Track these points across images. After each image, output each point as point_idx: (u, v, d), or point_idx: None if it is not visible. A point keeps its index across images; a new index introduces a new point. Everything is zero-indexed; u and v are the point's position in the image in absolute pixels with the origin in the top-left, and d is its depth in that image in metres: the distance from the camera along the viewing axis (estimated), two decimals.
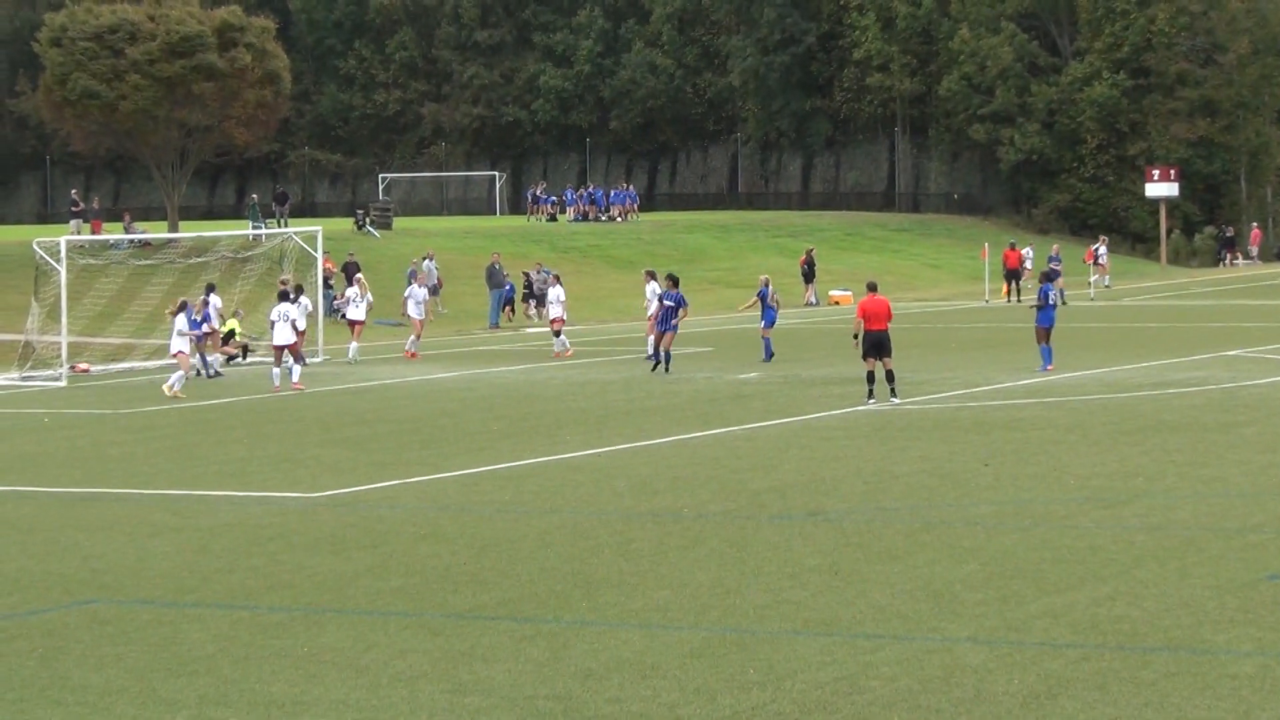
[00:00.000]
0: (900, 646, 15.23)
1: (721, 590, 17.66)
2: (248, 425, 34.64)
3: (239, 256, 57.92)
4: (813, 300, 73.22)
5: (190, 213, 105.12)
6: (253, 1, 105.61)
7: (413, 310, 53.09)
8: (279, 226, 74.94)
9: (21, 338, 49.13)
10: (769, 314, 44.96)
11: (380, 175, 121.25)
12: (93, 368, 49.04)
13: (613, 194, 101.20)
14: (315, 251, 54.64)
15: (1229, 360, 42.23)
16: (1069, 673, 14.26)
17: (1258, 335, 49.27)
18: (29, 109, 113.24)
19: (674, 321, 43.06)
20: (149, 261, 58.99)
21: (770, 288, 45.47)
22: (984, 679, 14.11)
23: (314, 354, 49.85)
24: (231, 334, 49.56)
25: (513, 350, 53.23)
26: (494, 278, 64.74)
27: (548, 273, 65.76)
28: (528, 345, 54.95)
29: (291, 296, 43.59)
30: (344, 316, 53.74)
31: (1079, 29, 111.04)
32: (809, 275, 73.98)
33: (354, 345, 49.89)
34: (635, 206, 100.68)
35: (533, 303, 67.18)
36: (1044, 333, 40.35)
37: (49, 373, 46.55)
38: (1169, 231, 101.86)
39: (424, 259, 65.41)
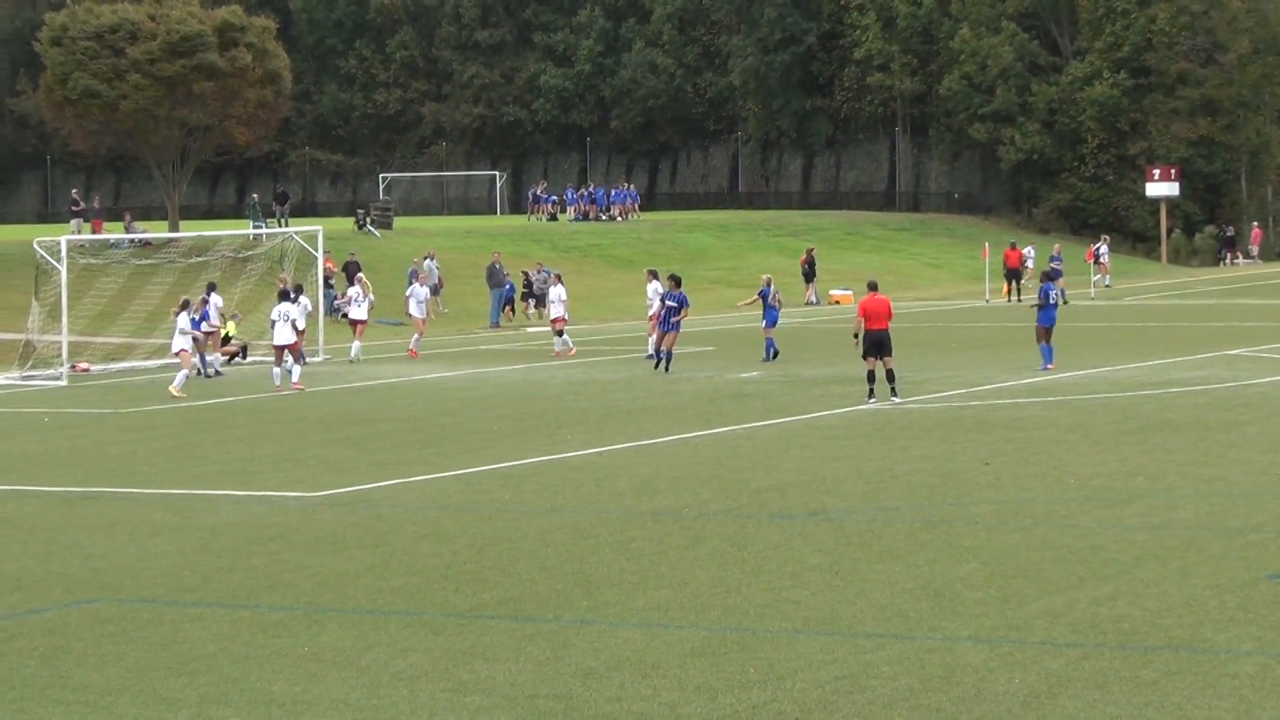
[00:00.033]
0: (901, 645, 15.24)
1: (722, 589, 17.66)
2: (248, 425, 34.64)
3: (239, 256, 57.92)
4: (813, 300, 73.22)
5: (191, 212, 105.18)
6: (253, 1, 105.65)
7: (414, 309, 53.09)
8: (279, 226, 74.94)
9: (22, 337, 49.14)
10: (770, 313, 44.95)
11: (381, 175, 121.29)
12: (93, 367, 49.04)
13: (613, 193, 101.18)
14: (316, 251, 54.65)
15: (1230, 359, 42.23)
16: (1070, 672, 14.26)
17: (1259, 334, 49.26)
18: (30, 108, 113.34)
19: (675, 320, 43.05)
20: (149, 261, 59.00)
21: (772, 287, 45.46)
22: (985, 678, 14.11)
23: (314, 353, 49.86)
24: (229, 337, 49.53)
25: (513, 350, 53.23)
26: (494, 277, 64.75)
27: (548, 272, 65.75)
28: (528, 345, 54.95)
29: (292, 296, 43.58)
30: (344, 315, 53.74)
31: (1079, 28, 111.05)
32: (809, 275, 73.97)
33: (356, 345, 49.89)
34: (636, 206, 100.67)
35: (532, 302, 67.18)
36: (1044, 332, 40.34)
37: (49, 372, 46.55)
38: (1169, 231, 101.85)
39: (425, 258, 65.42)
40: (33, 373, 46.75)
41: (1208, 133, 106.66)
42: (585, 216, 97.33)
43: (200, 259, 56.61)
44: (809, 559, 19.04)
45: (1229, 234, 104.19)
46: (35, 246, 49.04)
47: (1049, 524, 20.91)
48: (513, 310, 66.68)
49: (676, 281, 44.21)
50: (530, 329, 62.78)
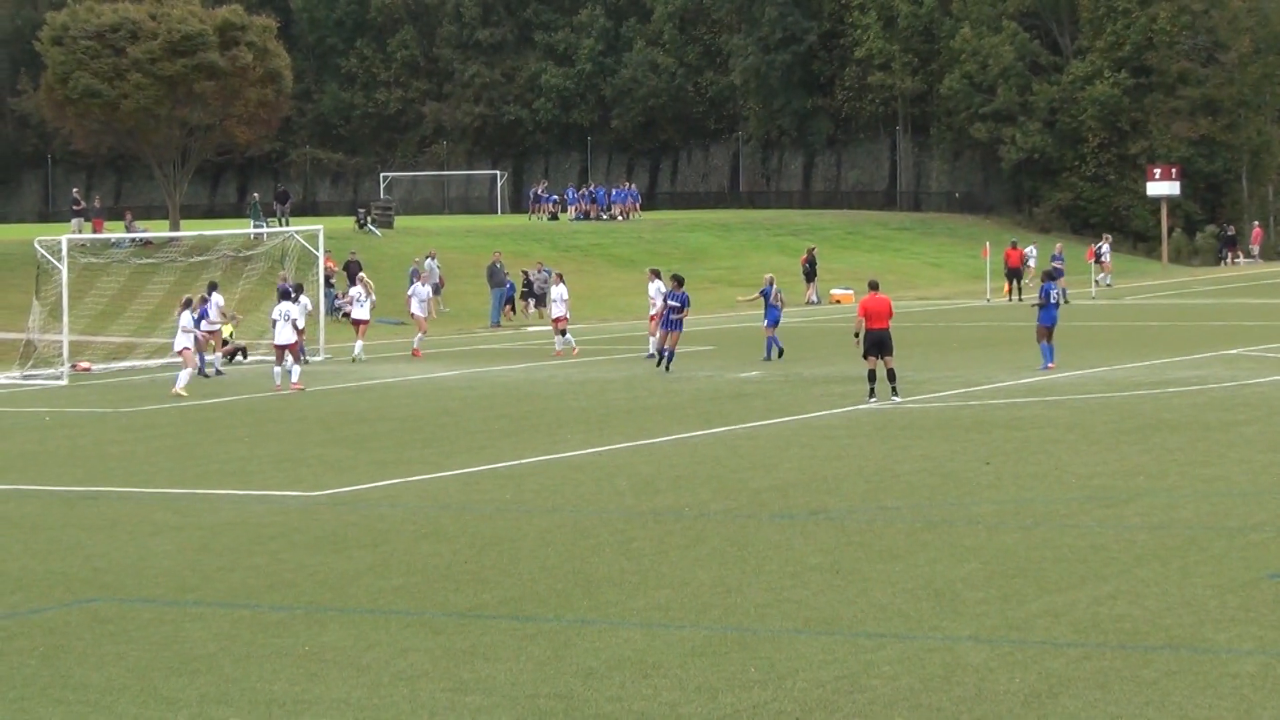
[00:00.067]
0: (902, 645, 15.23)
1: (723, 589, 17.66)
2: (249, 424, 34.64)
3: (240, 255, 57.92)
4: (814, 299, 73.22)
5: (192, 211, 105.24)
6: (254, 0, 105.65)
7: (417, 309, 53.05)
8: (280, 225, 74.94)
9: (23, 336, 49.14)
10: (772, 313, 44.94)
11: (382, 174, 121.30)
12: (94, 366, 49.05)
13: (614, 193, 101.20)
14: (317, 250, 54.65)
15: (1230, 359, 42.23)
16: (1070, 671, 14.26)
17: (1259, 334, 49.26)
18: (30, 108, 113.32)
19: (676, 318, 43.09)
20: (150, 260, 59.02)
21: (774, 286, 45.44)
22: (985, 678, 14.11)
23: (315, 353, 49.87)
24: (225, 341, 49.51)
25: (514, 349, 53.24)
26: (495, 276, 64.75)
27: (548, 272, 65.76)
28: (529, 344, 54.95)
29: (293, 296, 43.58)
30: (345, 315, 53.67)
31: (1080, 28, 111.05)
32: (810, 274, 73.97)
33: (359, 344, 49.92)
34: (637, 205, 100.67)
35: (531, 301, 67.20)
36: (1044, 331, 40.35)
37: (50, 371, 46.56)
38: (1170, 230, 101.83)
39: (426, 258, 65.41)
40: (33, 372, 46.75)
41: (1209, 132, 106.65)
42: (586, 216, 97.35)
43: (201, 258, 56.61)
44: (810, 559, 19.04)
45: (1230, 233, 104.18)
46: (36, 246, 49.04)
47: (1049, 523, 20.91)
48: (513, 309, 66.69)
49: (679, 281, 44.24)
50: (531, 328, 62.78)
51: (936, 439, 28.73)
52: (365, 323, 50.71)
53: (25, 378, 46.14)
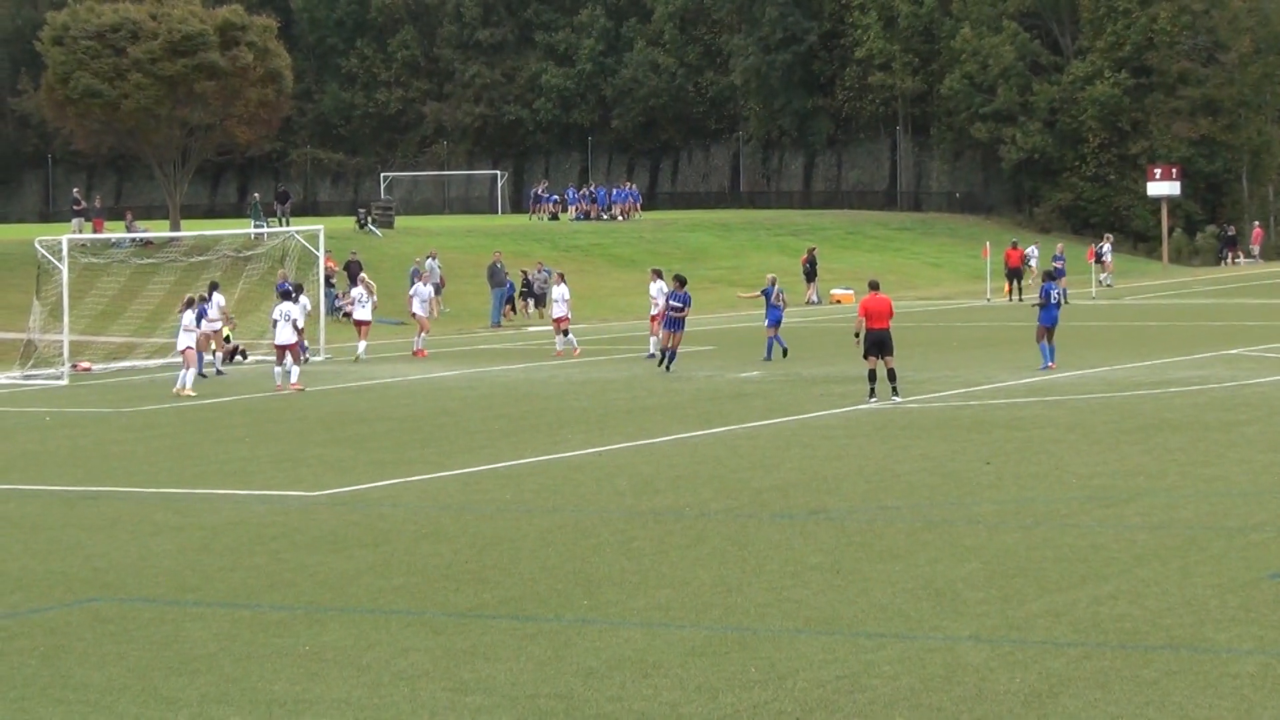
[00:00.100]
0: (902, 645, 15.24)
1: (723, 589, 17.66)
2: (249, 424, 34.64)
3: (241, 255, 57.92)
4: (814, 299, 73.21)
5: (192, 211, 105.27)
6: (254, 0, 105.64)
7: (418, 308, 53.03)
8: (281, 225, 74.93)
9: (24, 336, 49.14)
10: (773, 313, 44.93)
11: (382, 174, 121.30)
12: (94, 366, 49.05)
13: (615, 193, 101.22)
14: (317, 250, 54.66)
15: (1230, 359, 42.23)
16: (1071, 671, 14.26)
17: (1259, 334, 49.27)
18: (31, 108, 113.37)
19: (678, 317, 43.16)
20: (151, 260, 59.01)
21: (776, 287, 45.41)
22: (986, 677, 14.11)
23: (315, 353, 49.88)
24: (226, 339, 49.52)
25: (514, 349, 53.23)
26: (496, 276, 64.75)
27: (548, 272, 65.75)
28: (529, 344, 54.95)
29: (293, 295, 43.58)
30: (345, 315, 53.62)
31: (1081, 28, 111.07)
32: (811, 274, 73.95)
33: (363, 344, 49.97)
34: (638, 205, 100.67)
35: (531, 301, 67.19)
36: (1044, 331, 40.36)
37: (51, 371, 46.55)
38: (1171, 230, 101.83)
39: (427, 258, 65.41)
40: (34, 372, 46.75)
41: (1209, 132, 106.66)
42: (586, 216, 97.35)
43: (202, 258, 56.61)
44: (810, 558, 19.04)
45: (1230, 233, 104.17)
46: (37, 246, 49.04)
47: (1050, 523, 20.91)
48: (513, 309, 66.69)
49: (681, 281, 44.28)
50: (531, 328, 62.78)
51: (937, 439, 28.73)
52: (367, 324, 50.76)
53: (26, 378, 46.13)
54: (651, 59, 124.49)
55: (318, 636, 16.13)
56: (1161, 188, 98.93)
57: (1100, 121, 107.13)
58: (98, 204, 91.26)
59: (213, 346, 46.47)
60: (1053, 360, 40.16)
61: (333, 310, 58.72)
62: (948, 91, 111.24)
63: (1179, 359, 42.20)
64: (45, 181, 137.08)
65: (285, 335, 41.84)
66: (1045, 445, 27.61)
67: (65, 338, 46.54)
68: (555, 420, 33.06)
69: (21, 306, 52.39)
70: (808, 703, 13.55)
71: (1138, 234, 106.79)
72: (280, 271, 52.05)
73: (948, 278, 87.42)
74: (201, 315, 44.77)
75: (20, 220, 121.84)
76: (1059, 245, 77.22)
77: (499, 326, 63.77)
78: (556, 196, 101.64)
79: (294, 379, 41.23)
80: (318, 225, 59.01)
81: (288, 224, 76.28)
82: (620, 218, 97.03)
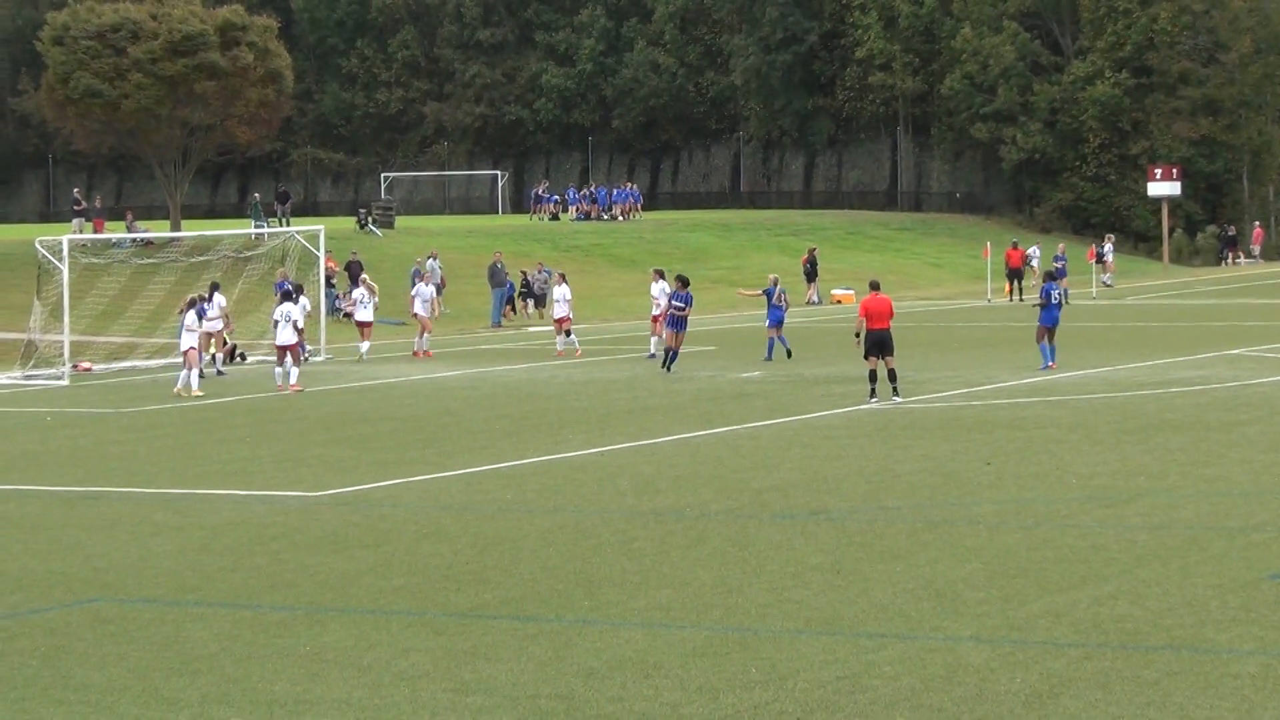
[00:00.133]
0: (903, 645, 15.23)
1: (724, 589, 17.66)
2: (250, 424, 34.64)
3: (241, 256, 57.92)
4: (815, 299, 73.20)
5: (192, 212, 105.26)
6: (255, 0, 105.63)
7: (420, 309, 53.02)
8: (281, 225, 74.91)
9: (24, 336, 49.13)
10: (774, 313, 44.91)
11: (382, 174, 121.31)
12: (95, 366, 49.05)
13: (615, 193, 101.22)
14: (318, 251, 54.66)
15: (1231, 359, 42.23)
16: (1071, 672, 14.26)
17: (1260, 334, 49.27)
18: (31, 108, 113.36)
19: (680, 317, 43.26)
20: (151, 260, 59.00)
21: (778, 287, 45.39)
22: (986, 678, 14.11)
23: (316, 353, 49.88)
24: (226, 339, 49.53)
25: (515, 349, 53.24)
26: (496, 276, 64.76)
27: (548, 272, 65.75)
28: (530, 344, 54.95)
29: (294, 296, 43.59)
30: (346, 315, 53.56)
31: (1081, 28, 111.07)
32: (811, 274, 73.95)
33: (366, 344, 50.02)
34: (638, 205, 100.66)
35: (531, 302, 67.18)
36: (1045, 331, 40.35)
37: (51, 371, 46.55)
38: (1171, 230, 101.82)
39: (428, 258, 65.41)
40: (35, 372, 46.74)
41: (1209, 132, 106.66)
42: (587, 216, 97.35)
43: (202, 258, 56.60)
44: (811, 559, 19.04)
45: (1231, 234, 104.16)
46: (37, 246, 49.02)
47: (1050, 524, 20.91)
48: (513, 309, 66.69)
49: (684, 282, 44.35)
50: (532, 329, 62.78)
51: (937, 439, 28.73)
52: (369, 324, 50.81)
53: (26, 378, 46.13)
54: (652, 59, 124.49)
55: (318, 637, 16.13)
56: (1162, 188, 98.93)
57: (1101, 121, 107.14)
58: (98, 204, 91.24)
59: (212, 347, 46.43)
60: (1053, 360, 40.16)
61: (333, 311, 58.69)
62: (948, 91, 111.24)
63: (1180, 359, 42.20)
64: (46, 182, 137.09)
65: (286, 336, 41.85)
66: (1046, 445, 27.61)
67: (66, 338, 46.53)
68: (556, 420, 33.06)
69: (22, 307, 52.39)
70: (809, 703, 13.55)
71: (1138, 234, 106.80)
72: (280, 271, 52.00)
73: (948, 278, 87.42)
74: (201, 315, 44.75)
75: (21, 220, 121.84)
76: (1060, 245, 77.20)
77: (500, 327, 63.77)
78: (557, 197, 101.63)
79: (293, 380, 41.23)
80: (318, 225, 58.99)
81: (288, 224, 76.25)
82: (620, 218, 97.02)
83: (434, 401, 37.87)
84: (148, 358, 50.37)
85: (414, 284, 56.05)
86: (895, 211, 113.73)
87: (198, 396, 39.55)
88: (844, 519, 21.56)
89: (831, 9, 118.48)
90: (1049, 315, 40.34)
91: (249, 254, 58.10)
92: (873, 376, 34.40)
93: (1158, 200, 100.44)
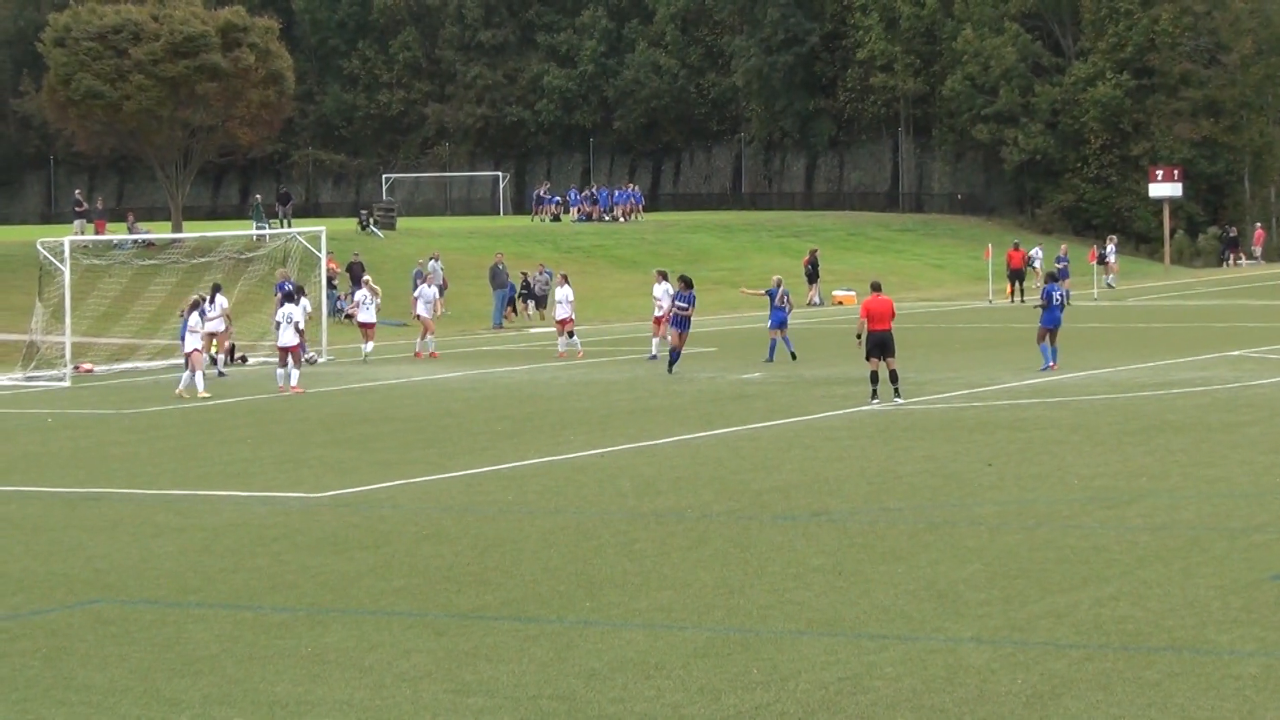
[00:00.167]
0: (904, 646, 15.23)
1: (725, 590, 17.66)
2: (251, 425, 34.64)
3: (243, 257, 57.93)
4: (816, 300, 73.19)
5: (194, 213, 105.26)
6: (256, 2, 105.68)
7: (423, 310, 53.02)
8: (282, 227, 74.92)
9: (26, 338, 49.14)
10: (777, 314, 44.91)
11: (384, 175, 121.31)
12: (96, 368, 49.05)
13: (617, 194, 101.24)
14: (319, 252, 54.66)
15: (1233, 360, 42.23)
16: (1072, 673, 14.26)
17: (1261, 335, 49.26)
18: (33, 109, 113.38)
19: (684, 316, 43.39)
20: (153, 262, 59.00)
21: (781, 288, 45.37)
22: (987, 679, 14.11)
23: (318, 354, 49.87)
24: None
25: (516, 350, 53.24)
26: (498, 278, 64.77)
27: (549, 273, 65.78)
28: (531, 345, 54.96)
29: (295, 298, 43.60)
30: (348, 317, 53.51)
31: (1082, 29, 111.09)
32: (812, 275, 73.93)
33: (370, 344, 50.07)
34: (640, 207, 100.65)
35: (531, 303, 67.17)
36: (1046, 332, 40.36)
37: (53, 373, 46.54)
38: (1173, 232, 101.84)
39: (430, 259, 65.41)
40: (36, 373, 46.73)
41: (1211, 134, 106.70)
42: (588, 217, 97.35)
43: (203, 260, 56.62)
44: (812, 560, 19.04)
45: (1232, 235, 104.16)
46: (39, 247, 49.03)
47: (1052, 525, 20.91)
48: (514, 310, 66.70)
49: (687, 283, 44.45)
50: (533, 330, 62.78)
51: (939, 440, 28.73)
52: (372, 325, 50.84)
53: (28, 379, 46.14)
54: (653, 60, 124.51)
55: (320, 638, 16.13)
56: (1163, 189, 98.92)
57: (1102, 123, 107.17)
58: (100, 205, 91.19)
59: (214, 348, 46.41)
60: (1055, 361, 40.16)
61: (334, 312, 58.68)
62: (949, 93, 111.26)
63: (1182, 360, 42.20)
64: (47, 183, 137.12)
65: (287, 337, 41.86)
66: (1047, 446, 27.61)
67: (67, 339, 46.54)
68: (558, 422, 33.06)
69: (24, 308, 52.40)
70: (810, 704, 13.55)
71: (1139, 235, 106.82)
72: (280, 271, 51.96)
73: (949, 279, 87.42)
74: (201, 315, 44.74)
75: (22, 222, 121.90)
76: (1062, 246, 77.18)
77: (501, 328, 63.78)
78: (558, 198, 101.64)
79: (294, 381, 41.23)
80: (320, 227, 59.00)
81: (289, 225, 76.26)
82: (622, 219, 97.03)
83: (435, 403, 37.87)
84: (149, 359, 50.37)
85: (416, 285, 56.04)
86: (896, 213, 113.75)
87: (204, 398, 39.53)
88: (845, 520, 21.56)
89: (833, 10, 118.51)
90: (1050, 316, 40.35)
91: (250, 255, 58.10)
92: (874, 378, 34.40)
93: (1159, 201, 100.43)
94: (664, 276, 48.37)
